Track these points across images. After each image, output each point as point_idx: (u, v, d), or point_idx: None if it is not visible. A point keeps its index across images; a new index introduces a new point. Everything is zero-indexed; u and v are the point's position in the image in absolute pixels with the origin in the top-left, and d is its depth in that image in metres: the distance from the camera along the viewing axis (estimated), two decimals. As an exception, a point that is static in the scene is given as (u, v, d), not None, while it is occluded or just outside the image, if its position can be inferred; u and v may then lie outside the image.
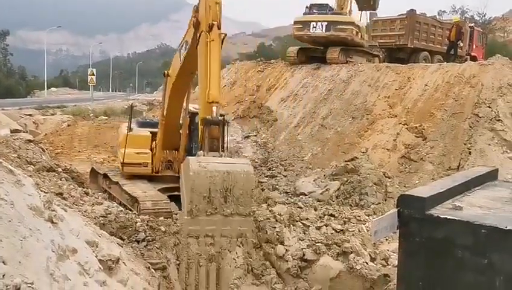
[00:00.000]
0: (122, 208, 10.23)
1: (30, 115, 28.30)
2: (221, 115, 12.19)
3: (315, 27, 21.65)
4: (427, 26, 24.01)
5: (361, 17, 23.20)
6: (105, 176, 12.87)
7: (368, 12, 24.61)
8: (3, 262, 3.43)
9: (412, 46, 23.34)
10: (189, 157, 8.37)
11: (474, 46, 26.26)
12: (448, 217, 3.12)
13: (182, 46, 10.50)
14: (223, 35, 8.51)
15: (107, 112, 33.08)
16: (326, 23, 21.42)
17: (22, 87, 70.21)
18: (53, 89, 72.30)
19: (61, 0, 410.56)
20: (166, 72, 11.82)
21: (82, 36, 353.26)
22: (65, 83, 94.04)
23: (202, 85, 8.72)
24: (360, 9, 23.59)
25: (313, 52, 23.46)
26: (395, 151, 15.76)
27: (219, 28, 8.27)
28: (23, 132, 21.54)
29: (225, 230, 7.71)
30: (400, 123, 16.67)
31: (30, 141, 15.09)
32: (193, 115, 12.05)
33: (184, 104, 11.69)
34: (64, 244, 4.43)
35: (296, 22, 22.84)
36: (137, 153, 11.85)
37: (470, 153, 14.62)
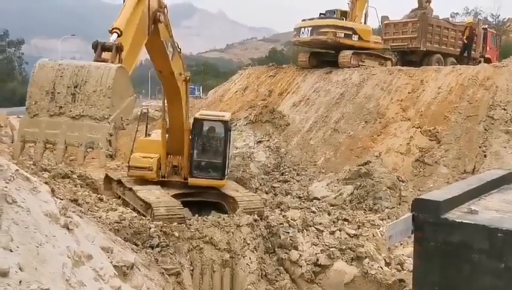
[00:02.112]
0: (136, 214, 10.31)
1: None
2: (225, 122, 12.31)
3: (303, 32, 22.47)
4: (439, 28, 23.84)
5: (366, 21, 23.22)
6: (119, 182, 12.96)
7: (380, 15, 24.69)
8: (20, 268, 3.47)
9: (425, 49, 23.19)
10: None
11: (488, 48, 26.00)
12: (464, 221, 3.09)
13: None
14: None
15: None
16: (311, 28, 22.17)
17: (36, 95, 71.04)
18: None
19: (75, 9, 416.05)
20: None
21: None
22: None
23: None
24: None
25: (324, 57, 23.52)
26: (409, 154, 15.64)
27: None
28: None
29: (71, 136, 5.86)
30: (414, 126, 16.54)
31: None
32: (195, 121, 12.10)
33: (184, 109, 11.63)
34: (80, 251, 4.47)
35: (294, 29, 23.60)
36: (144, 157, 11.89)
37: (485, 156, 14.46)
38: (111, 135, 5.92)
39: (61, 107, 5.86)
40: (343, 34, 21.68)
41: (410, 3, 25.45)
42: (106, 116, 5.84)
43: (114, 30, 7.04)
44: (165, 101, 11.74)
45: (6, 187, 4.06)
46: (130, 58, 7.37)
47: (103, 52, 6.67)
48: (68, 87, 5.85)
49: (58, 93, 5.85)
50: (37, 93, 5.87)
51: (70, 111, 5.85)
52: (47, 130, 5.79)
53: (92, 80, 5.83)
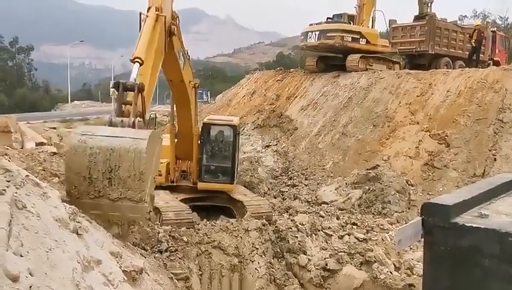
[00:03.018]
0: (144, 219, 10.34)
1: (54, 128, 28.83)
2: (233, 126, 12.35)
3: (310, 37, 22.54)
4: (447, 31, 23.77)
5: (373, 25, 23.21)
6: (127, 187, 12.99)
7: (388, 19, 24.69)
8: (30, 273, 3.49)
9: (433, 52, 23.12)
10: (78, 126, 7.18)
11: (496, 51, 25.89)
12: (474, 225, 3.06)
13: None
14: (163, 16, 8.48)
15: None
16: (318, 32, 22.23)
17: (46, 101, 71.74)
18: (76, 102, 73.64)
19: (84, 15, 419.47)
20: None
21: (104, 50, 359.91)
22: (88, 96, 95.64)
23: None
24: None
25: (332, 61, 23.55)
26: (418, 158, 15.56)
27: (157, 10, 8.25)
28: (48, 144, 21.91)
29: (114, 216, 6.33)
30: (422, 130, 16.47)
31: (55, 153, 15.35)
32: (204, 125, 12.14)
33: (193, 114, 11.70)
34: (89, 256, 4.49)
35: (301, 33, 23.66)
36: None
37: (495, 159, 14.35)
38: (149, 212, 6.53)
39: (99, 191, 6.13)
40: (350, 37, 21.71)
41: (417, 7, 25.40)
42: (143, 199, 6.22)
43: (136, 60, 7.34)
44: (174, 106, 11.82)
45: (16, 193, 4.10)
46: (152, 81, 7.83)
47: (125, 92, 7.02)
48: (103, 172, 6.09)
49: (95, 178, 6.09)
50: (74, 179, 6.11)
51: (109, 194, 6.13)
52: (91, 211, 6.01)
53: (125, 165, 6.08)
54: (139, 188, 6.17)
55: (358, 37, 21.96)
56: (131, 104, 6.96)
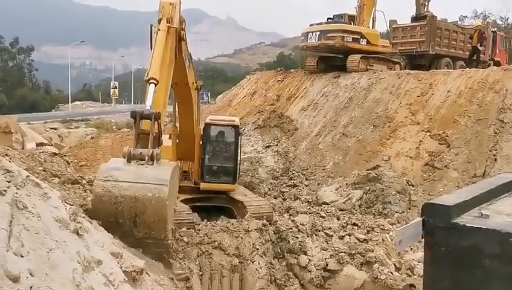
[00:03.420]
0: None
1: (55, 128, 28.88)
2: (235, 126, 12.34)
3: (311, 37, 22.49)
4: (448, 32, 23.77)
5: (374, 25, 23.19)
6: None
7: (388, 19, 24.70)
8: (30, 274, 3.49)
9: (434, 53, 23.12)
10: (101, 165, 7.42)
11: (497, 51, 25.87)
12: (475, 226, 3.06)
13: None
14: (174, 28, 8.44)
15: (130, 124, 33.53)
16: (318, 32, 22.19)
17: (46, 102, 71.82)
18: (77, 102, 73.70)
19: (85, 16, 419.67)
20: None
21: (105, 50, 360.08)
22: (89, 97, 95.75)
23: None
24: None
25: (332, 61, 23.53)
26: (418, 159, 15.55)
27: (169, 22, 8.24)
28: (49, 145, 21.97)
29: (140, 251, 6.82)
30: (423, 130, 16.46)
31: (55, 154, 15.34)
32: (206, 126, 12.12)
33: (195, 115, 11.68)
34: (90, 256, 4.49)
35: (301, 34, 23.62)
36: None
37: (495, 159, 14.34)
38: (172, 245, 7.33)
39: (125, 231, 6.61)
40: (351, 38, 21.69)
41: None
42: (167, 237, 6.86)
43: (151, 81, 7.55)
44: (176, 107, 11.80)
45: (17, 193, 4.10)
46: (166, 91, 8.16)
47: (141, 121, 7.30)
48: (128, 217, 6.57)
49: (121, 222, 6.58)
50: (101, 219, 6.39)
51: (135, 234, 6.65)
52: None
53: (148, 211, 6.54)
54: (162, 228, 6.68)
55: (359, 37, 21.96)
56: (148, 134, 7.21)
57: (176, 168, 7.65)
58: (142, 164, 6.90)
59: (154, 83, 7.51)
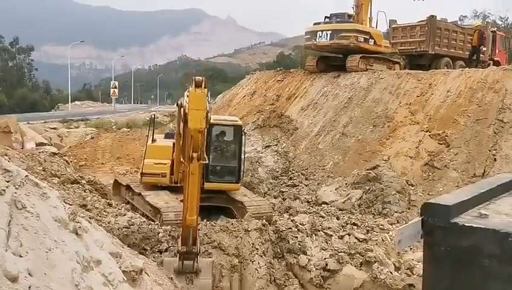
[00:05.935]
0: (144, 219, 10.34)
1: (54, 128, 28.87)
2: (238, 126, 12.30)
3: (321, 36, 21.99)
4: (448, 32, 23.74)
5: (377, 25, 23.13)
6: (128, 187, 13.01)
7: (388, 19, 24.63)
8: (29, 274, 3.49)
9: (433, 52, 23.09)
10: None
11: (497, 51, 25.86)
12: (474, 226, 3.05)
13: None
14: (204, 163, 8.23)
15: (129, 124, 33.59)
16: (330, 31, 21.70)
17: (46, 101, 71.79)
18: (77, 102, 73.71)
19: (84, 16, 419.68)
20: (179, 102, 11.12)
21: (104, 50, 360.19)
22: (88, 96, 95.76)
23: (184, 203, 8.40)
24: None
25: (332, 61, 23.45)
26: (418, 158, 15.56)
27: (199, 160, 7.69)
28: (48, 145, 21.98)
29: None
30: (422, 130, 16.46)
31: (55, 153, 15.39)
32: (210, 125, 12.06)
33: None
34: (89, 256, 4.49)
35: (306, 33, 23.15)
36: (156, 164, 11.94)
37: (495, 159, 14.35)
38: None
39: None
40: (362, 38, 21.56)
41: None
42: None
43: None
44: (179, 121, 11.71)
45: (16, 193, 4.09)
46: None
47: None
48: None
49: None
50: None
51: None
52: None
53: None
54: None
55: (368, 37, 21.86)
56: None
57: None
58: None
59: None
